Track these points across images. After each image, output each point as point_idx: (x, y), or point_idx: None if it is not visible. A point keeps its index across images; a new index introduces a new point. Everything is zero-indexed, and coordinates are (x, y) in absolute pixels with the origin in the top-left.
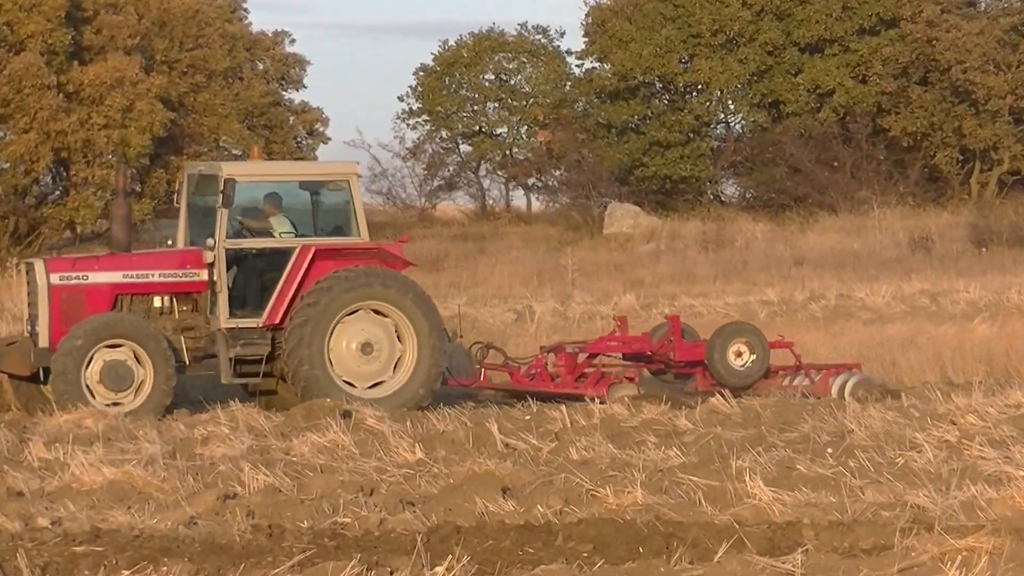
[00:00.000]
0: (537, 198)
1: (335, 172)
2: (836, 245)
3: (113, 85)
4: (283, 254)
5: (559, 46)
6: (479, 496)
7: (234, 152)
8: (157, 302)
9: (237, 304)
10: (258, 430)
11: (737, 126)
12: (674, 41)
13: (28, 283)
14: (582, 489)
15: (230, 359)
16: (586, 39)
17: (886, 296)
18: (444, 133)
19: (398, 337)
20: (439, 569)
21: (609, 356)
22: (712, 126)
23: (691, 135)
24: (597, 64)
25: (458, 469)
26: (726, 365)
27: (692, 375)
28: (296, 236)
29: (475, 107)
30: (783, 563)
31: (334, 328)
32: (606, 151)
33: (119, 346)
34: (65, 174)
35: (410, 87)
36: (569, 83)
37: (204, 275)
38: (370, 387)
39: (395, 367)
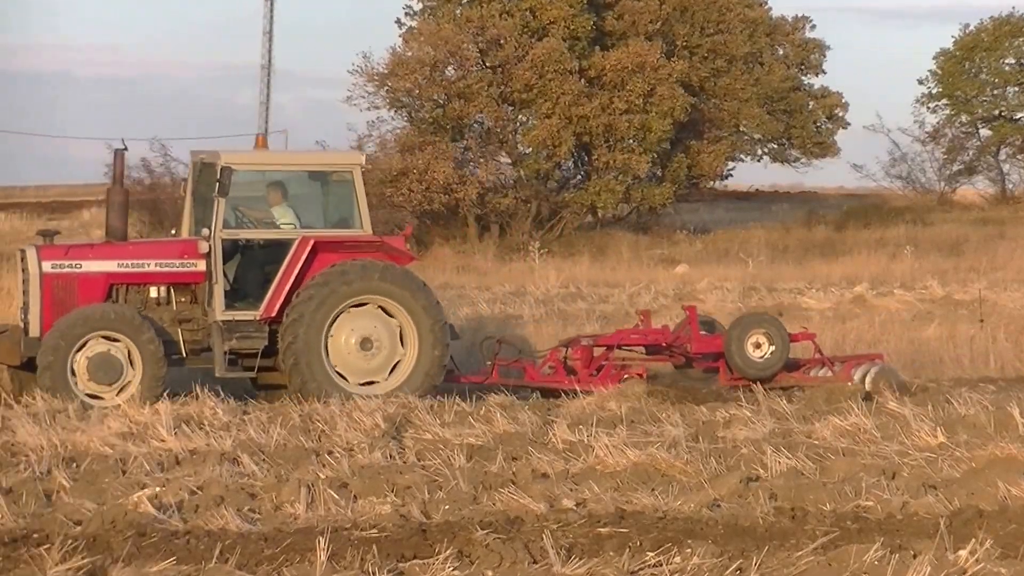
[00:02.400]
0: None
1: (338, 162)
2: None
3: (634, 70)
4: (283, 246)
5: None
6: (1001, 480)
7: (754, 136)
8: (154, 292)
9: (236, 296)
10: (780, 413)
11: None
12: None
13: (22, 270)
14: None
15: (225, 352)
16: None
17: None
18: (964, 117)
19: (399, 332)
20: (962, 553)
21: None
22: None
23: None
24: None
25: (980, 453)
26: (744, 357)
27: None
28: (301, 227)
29: (995, 91)
30: None
31: (332, 324)
32: None
33: (107, 338)
34: (586, 159)
35: (929, 71)
36: None
37: (202, 266)
38: (369, 383)
39: (396, 362)
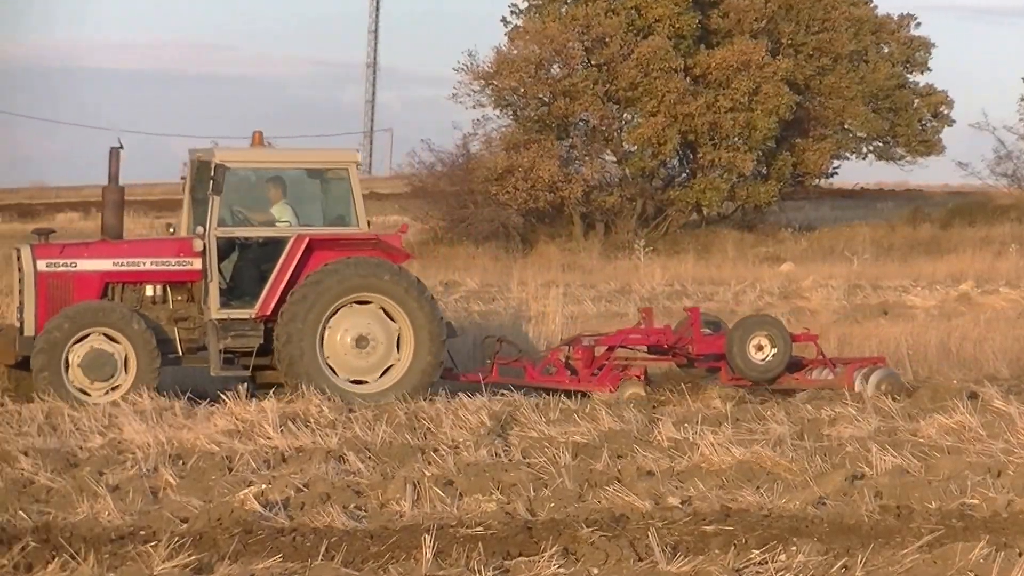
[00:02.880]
0: None
1: (333, 160)
2: None
3: (739, 68)
4: (279, 244)
5: None
6: None
7: (859, 134)
8: (149, 291)
9: (231, 294)
10: (885, 411)
11: None
12: None
13: (18, 269)
14: None
15: (220, 351)
16: None
17: None
18: None
19: (397, 337)
20: None
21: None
22: None
23: None
24: None
25: None
26: (745, 358)
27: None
28: (299, 225)
29: None
30: None
31: (326, 322)
32: None
33: (102, 335)
34: (691, 157)
35: None
36: None
37: (198, 264)
38: (359, 382)
39: (389, 366)
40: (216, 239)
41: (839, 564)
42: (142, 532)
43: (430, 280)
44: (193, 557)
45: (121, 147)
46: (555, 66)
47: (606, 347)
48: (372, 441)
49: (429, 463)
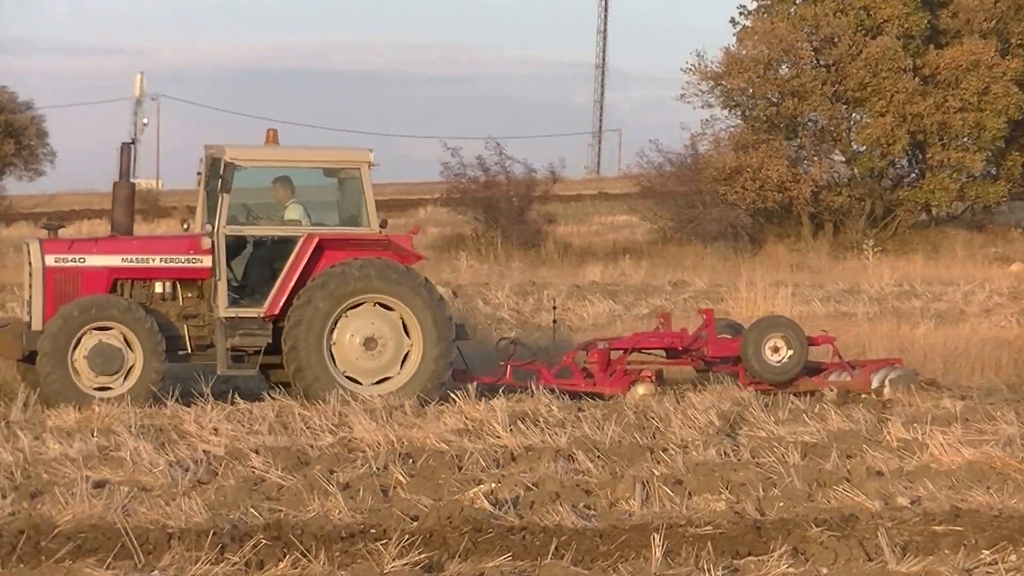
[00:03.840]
0: None
1: (345, 159)
2: None
3: (968, 68)
4: (289, 243)
5: None
6: None
7: None
8: (159, 288)
9: (240, 292)
10: None
11: None
12: None
13: (28, 264)
14: None
15: (228, 349)
16: None
17: None
18: None
19: (402, 323)
20: None
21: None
22: None
23: None
24: None
25: None
26: (761, 360)
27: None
28: (310, 224)
29: None
30: None
31: (334, 324)
32: None
33: (105, 329)
34: (921, 157)
35: None
36: None
37: (208, 261)
38: (376, 383)
39: (406, 353)
40: (225, 237)
41: None
42: (372, 530)
43: (658, 279)
44: (423, 555)
45: (133, 143)
46: (784, 66)
47: (621, 351)
48: (601, 440)
49: (658, 462)
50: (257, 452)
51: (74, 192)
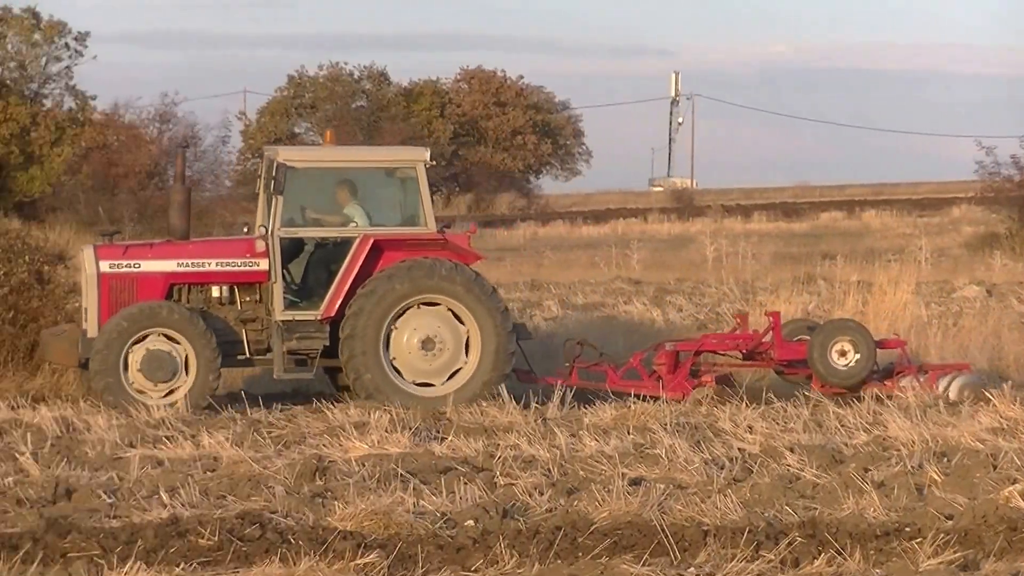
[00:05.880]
0: None
1: (401, 159)
2: None
3: None
4: (346, 244)
5: None
6: None
7: None
8: (216, 292)
9: (297, 295)
10: None
11: None
12: None
13: (84, 270)
14: None
15: (284, 352)
16: None
17: None
18: None
19: (466, 341)
20: None
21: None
22: None
23: None
24: None
25: None
26: (827, 364)
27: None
28: (371, 226)
29: None
30: None
31: (391, 326)
32: None
33: (161, 336)
34: None
35: None
36: None
37: (265, 265)
38: (426, 384)
39: (457, 370)
40: (280, 239)
41: None
42: (907, 528)
43: None
44: (958, 554)
45: (186, 147)
46: None
47: (691, 352)
48: None
49: None
50: (792, 450)
51: (609, 191)
